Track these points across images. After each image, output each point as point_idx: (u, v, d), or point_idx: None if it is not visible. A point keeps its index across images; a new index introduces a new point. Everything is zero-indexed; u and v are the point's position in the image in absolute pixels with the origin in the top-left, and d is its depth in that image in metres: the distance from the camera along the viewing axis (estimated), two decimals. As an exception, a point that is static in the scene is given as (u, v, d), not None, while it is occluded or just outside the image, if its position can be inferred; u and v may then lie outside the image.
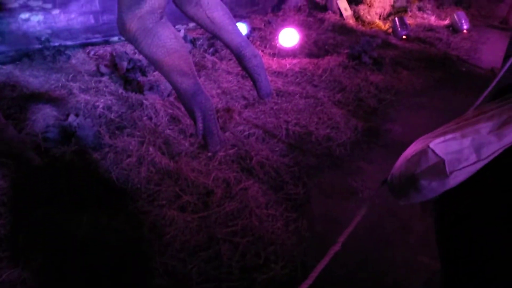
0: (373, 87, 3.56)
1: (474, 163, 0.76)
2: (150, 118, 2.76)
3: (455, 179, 0.77)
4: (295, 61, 4.02)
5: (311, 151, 2.64)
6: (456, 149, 0.77)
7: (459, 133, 0.78)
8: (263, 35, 4.58)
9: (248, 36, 4.40)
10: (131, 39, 1.92)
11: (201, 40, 4.25)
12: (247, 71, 2.71)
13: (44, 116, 2.67)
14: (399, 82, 3.74)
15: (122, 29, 1.88)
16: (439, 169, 0.77)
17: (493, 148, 0.75)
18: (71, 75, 3.33)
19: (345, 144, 2.72)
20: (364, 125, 2.95)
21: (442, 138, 0.79)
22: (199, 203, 2.09)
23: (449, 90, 3.63)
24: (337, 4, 5.34)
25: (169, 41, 1.96)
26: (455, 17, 5.21)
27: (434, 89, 3.69)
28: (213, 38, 4.05)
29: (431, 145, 0.78)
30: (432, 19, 5.62)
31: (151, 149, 2.40)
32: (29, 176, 2.16)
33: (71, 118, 2.59)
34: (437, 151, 0.77)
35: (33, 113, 2.71)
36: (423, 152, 0.79)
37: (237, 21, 4.29)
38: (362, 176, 2.44)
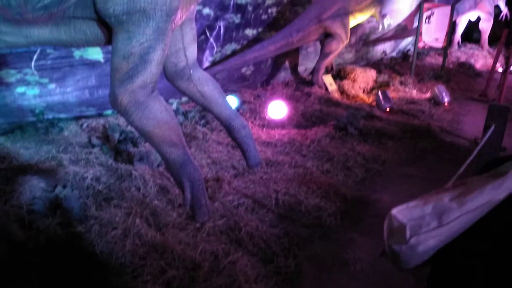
0: (360, 157, 3.63)
1: (436, 228, 0.79)
2: (139, 189, 2.74)
3: (424, 244, 0.79)
4: (283, 132, 4.13)
5: (301, 221, 2.61)
6: (418, 215, 0.82)
7: (423, 200, 0.82)
8: (253, 108, 4.75)
9: (238, 108, 4.55)
10: (123, 112, 1.97)
11: (193, 113, 4.38)
12: (236, 142, 2.77)
13: (31, 188, 2.64)
14: (385, 152, 3.82)
15: (114, 103, 1.94)
16: (401, 233, 0.81)
17: (454, 214, 0.78)
18: (62, 147, 3.35)
19: (335, 214, 2.70)
20: (353, 194, 2.96)
21: (405, 205, 0.83)
22: (186, 278, 2.01)
23: (434, 160, 3.71)
24: (322, 79, 5.61)
25: (159, 114, 2.02)
26: (436, 90, 5.49)
27: (419, 159, 3.77)
28: (204, 111, 4.18)
29: (393, 211, 0.84)
30: (414, 93, 5.90)
31: (137, 220, 2.35)
32: (8, 253, 2.08)
33: (58, 189, 2.56)
34: (399, 217, 0.82)
35: (20, 184, 2.68)
36: (388, 218, 0.84)
37: (228, 95, 4.48)
38: (354, 247, 2.39)
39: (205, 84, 2.56)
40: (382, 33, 7.71)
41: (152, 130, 2.03)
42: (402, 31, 8.06)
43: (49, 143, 3.44)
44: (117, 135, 3.45)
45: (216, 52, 5.24)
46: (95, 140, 3.48)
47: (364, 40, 7.47)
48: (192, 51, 2.44)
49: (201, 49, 5.02)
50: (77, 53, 3.86)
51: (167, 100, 4.47)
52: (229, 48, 5.41)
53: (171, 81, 2.54)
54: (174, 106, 4.29)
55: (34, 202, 2.46)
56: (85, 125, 3.96)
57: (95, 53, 3.95)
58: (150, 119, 1.99)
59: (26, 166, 2.98)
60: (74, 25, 1.88)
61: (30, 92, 3.77)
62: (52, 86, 3.87)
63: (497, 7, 9.70)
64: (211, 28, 5.08)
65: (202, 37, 5.02)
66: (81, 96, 4.06)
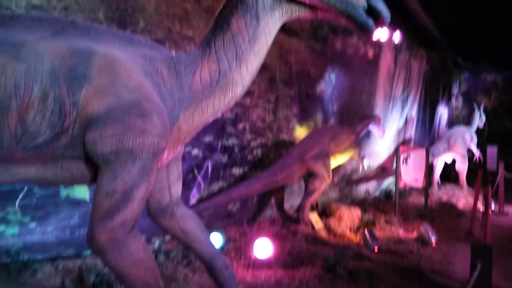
0: (351, 301, 3.41)
1: None
2: None
3: None
4: (270, 272, 3.94)
5: None
6: None
7: None
8: (238, 246, 4.62)
9: (223, 246, 4.43)
10: (99, 251, 1.90)
11: (175, 252, 4.22)
12: (218, 283, 2.61)
13: None
14: (377, 295, 3.62)
15: (91, 241, 1.89)
16: None
17: None
18: (31, 290, 3.12)
19: None
20: None
21: None
22: None
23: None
24: (308, 217, 5.63)
25: (136, 253, 1.95)
26: (422, 230, 5.49)
27: (414, 303, 3.55)
28: (188, 249, 4.05)
29: None
30: (400, 232, 5.88)
31: None
32: None
33: None
34: None
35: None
36: None
37: (212, 232, 4.41)
38: None
39: (187, 221, 2.54)
40: (363, 173, 8.07)
41: (128, 271, 1.93)
42: (382, 171, 8.47)
43: (19, 287, 3.21)
44: (92, 277, 3.26)
45: (203, 190, 5.35)
46: (68, 284, 3.27)
47: (347, 179, 7.76)
48: (177, 188, 2.49)
49: (188, 187, 5.13)
50: (63, 192, 3.88)
51: (150, 238, 4.37)
52: (216, 186, 5.54)
53: (154, 218, 2.52)
54: (156, 244, 4.17)
55: None
56: (60, 266, 3.75)
57: (82, 192, 3.98)
58: (127, 258, 1.91)
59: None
60: (62, 164, 1.94)
61: (10, 231, 3.66)
62: (32, 225, 3.77)
63: (470, 150, 10.41)
64: (199, 167, 5.29)
65: (190, 175, 5.18)
66: (61, 236, 3.94)
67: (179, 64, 2.17)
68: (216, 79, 2.19)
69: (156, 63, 2.13)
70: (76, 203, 3.97)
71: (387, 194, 8.57)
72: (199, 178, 5.29)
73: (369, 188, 8.57)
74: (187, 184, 5.13)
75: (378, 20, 2.35)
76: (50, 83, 1.79)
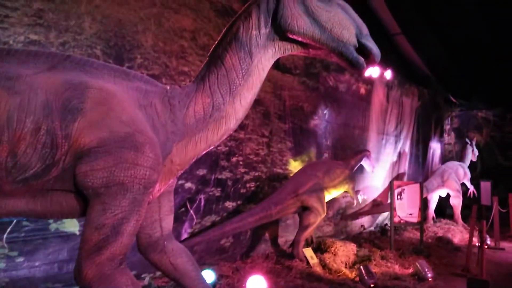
0: None
1: None
2: None
3: None
4: (263, 310, 3.83)
5: None
6: None
7: None
8: (231, 283, 4.52)
9: (215, 283, 4.33)
10: (86, 286, 1.86)
11: (166, 288, 4.12)
12: (209, 321, 2.54)
13: None
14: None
15: (78, 276, 1.85)
16: None
17: None
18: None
19: None
20: None
21: None
22: None
23: None
24: (303, 252, 5.54)
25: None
26: (418, 266, 5.41)
27: None
28: (179, 286, 3.95)
29: None
30: (396, 268, 5.79)
31: None
32: None
33: None
34: None
35: None
36: None
37: (204, 269, 4.31)
38: None
39: (178, 256, 2.50)
40: (358, 207, 8.03)
41: (116, 307, 1.87)
42: (377, 206, 8.43)
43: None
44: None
45: (195, 224, 5.28)
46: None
47: (342, 214, 7.71)
48: (168, 222, 2.47)
49: (180, 221, 5.07)
50: (53, 226, 3.81)
51: (140, 274, 4.26)
52: (209, 219, 5.48)
53: (144, 252, 2.48)
54: (147, 280, 4.07)
55: None
56: (46, 302, 3.63)
57: (72, 226, 3.92)
58: (115, 293, 1.86)
59: None
60: (51, 197, 1.93)
61: (-4, 265, 3.57)
62: (20, 259, 3.68)
63: (464, 184, 10.44)
64: (192, 200, 5.25)
65: (183, 209, 5.13)
66: (49, 271, 3.84)
67: (173, 98, 2.22)
68: (209, 113, 2.23)
69: (150, 96, 2.17)
70: (65, 237, 3.90)
71: (383, 229, 8.49)
72: (192, 212, 5.24)
73: (364, 222, 8.50)
74: (179, 217, 5.07)
75: (369, 58, 2.44)
76: (43, 116, 1.80)
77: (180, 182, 5.05)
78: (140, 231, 2.38)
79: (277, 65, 6.71)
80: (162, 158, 2.07)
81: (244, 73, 2.25)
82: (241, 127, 6.02)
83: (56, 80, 1.90)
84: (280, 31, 2.32)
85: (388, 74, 8.61)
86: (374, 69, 8.27)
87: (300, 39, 2.33)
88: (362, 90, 8.77)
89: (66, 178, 1.88)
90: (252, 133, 6.25)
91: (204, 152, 2.35)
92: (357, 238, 7.50)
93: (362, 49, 2.39)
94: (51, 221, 3.78)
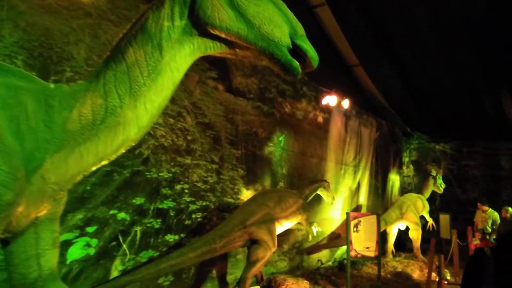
0: None
1: None
2: None
3: None
4: None
5: None
6: None
7: None
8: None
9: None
10: None
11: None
12: None
13: None
14: None
15: None
16: None
17: None
18: None
19: None
20: None
21: None
22: None
23: None
24: (251, 291, 5.01)
25: None
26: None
27: None
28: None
29: None
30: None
31: None
32: None
33: None
34: None
35: None
36: None
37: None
38: None
39: (64, 304, 1.95)
40: (315, 241, 7.59)
41: None
42: (335, 239, 8.03)
43: None
44: None
45: (128, 260, 4.66)
46: None
47: (298, 248, 7.24)
48: (49, 259, 1.92)
49: (110, 257, 4.46)
50: None
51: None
52: (146, 255, 4.87)
53: (17, 298, 1.91)
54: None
55: None
56: None
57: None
58: None
59: None
60: None
61: None
62: None
63: (423, 217, 10.28)
64: (125, 233, 4.66)
65: (114, 243, 4.52)
66: None
67: (52, 98, 1.74)
68: (101, 117, 1.76)
69: (22, 95, 1.69)
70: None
71: (341, 264, 8.07)
72: (125, 246, 4.63)
73: (322, 257, 8.05)
74: (109, 253, 4.46)
75: (305, 62, 2.08)
76: None
77: (111, 212, 4.48)
78: (12, 271, 1.83)
79: (229, 87, 6.37)
80: (27, 173, 1.57)
81: (151, 71, 1.82)
82: (188, 152, 5.55)
83: None
84: (200, 25, 1.94)
85: (346, 103, 8.48)
86: (332, 98, 8.13)
87: (223, 35, 1.95)
88: (320, 119, 8.56)
89: None
90: (201, 159, 5.79)
91: (94, 168, 1.86)
92: (314, 274, 7.03)
93: (297, 52, 2.03)
94: None
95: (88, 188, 4.36)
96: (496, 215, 9.09)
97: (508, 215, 8.06)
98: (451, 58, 9.30)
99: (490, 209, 8.97)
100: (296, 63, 2.03)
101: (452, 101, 10.80)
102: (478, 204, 9.18)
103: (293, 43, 2.02)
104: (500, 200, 11.11)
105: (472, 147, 12.66)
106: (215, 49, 2.03)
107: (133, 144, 1.87)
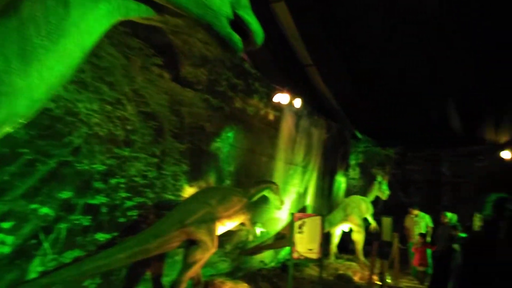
0: None
1: None
2: None
3: None
4: None
5: None
6: None
7: None
8: None
9: None
10: None
11: None
12: None
13: None
14: None
15: None
16: None
17: None
18: None
19: None
20: None
21: None
22: None
23: None
24: (186, 295, 4.67)
25: None
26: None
27: None
28: None
29: None
30: (293, 311, 5.17)
31: None
32: None
33: None
34: None
35: None
36: None
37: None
38: None
39: None
40: (259, 241, 7.38)
41: None
42: (280, 240, 7.87)
43: None
44: None
45: (50, 260, 4.16)
46: None
47: (241, 248, 6.99)
48: None
49: (28, 256, 3.96)
50: None
51: None
52: (71, 255, 4.39)
53: None
54: None
55: None
56: None
57: None
58: None
59: None
60: None
61: None
62: None
63: (366, 219, 10.42)
64: (48, 230, 4.15)
65: (34, 241, 4.02)
66: None
67: None
68: (-24, 84, 1.37)
69: None
70: None
71: (284, 265, 7.93)
72: (46, 245, 4.13)
73: (266, 258, 7.86)
74: (27, 252, 3.95)
75: (247, 36, 1.81)
76: None
77: (31, 206, 3.97)
78: None
79: (177, 77, 5.98)
80: None
81: (51, 31, 1.44)
82: (126, 142, 5.11)
83: None
84: None
85: (298, 102, 8.36)
86: (284, 96, 7.97)
87: None
88: (271, 116, 8.37)
89: None
90: (140, 151, 5.36)
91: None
92: (256, 276, 6.81)
93: (239, 25, 1.76)
94: None
95: (6, 178, 3.83)
96: (428, 218, 9.66)
97: (446, 220, 8.33)
98: (403, 65, 9.50)
99: (422, 212, 9.74)
100: (237, 37, 1.76)
101: (398, 107, 11.08)
102: (410, 209, 10.03)
103: (235, 14, 1.74)
104: (440, 205, 11.59)
105: (416, 152, 13.10)
106: (139, 12, 1.69)
107: (23, 121, 1.48)
